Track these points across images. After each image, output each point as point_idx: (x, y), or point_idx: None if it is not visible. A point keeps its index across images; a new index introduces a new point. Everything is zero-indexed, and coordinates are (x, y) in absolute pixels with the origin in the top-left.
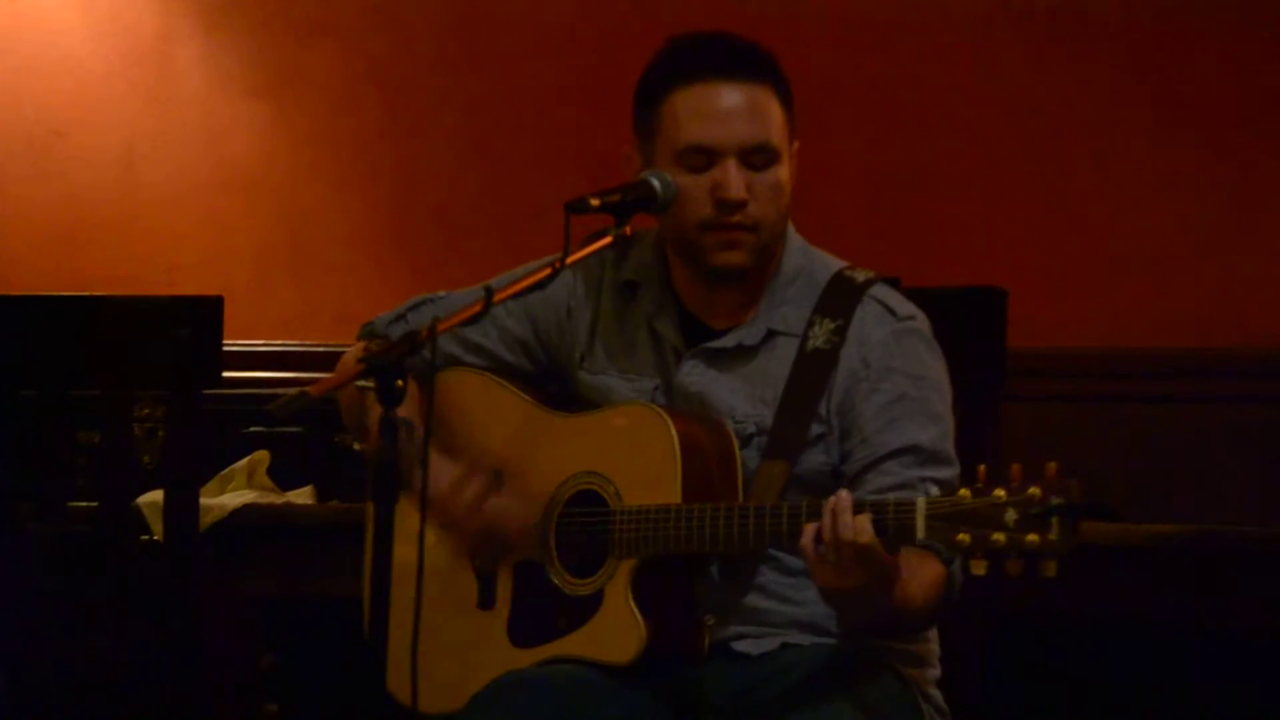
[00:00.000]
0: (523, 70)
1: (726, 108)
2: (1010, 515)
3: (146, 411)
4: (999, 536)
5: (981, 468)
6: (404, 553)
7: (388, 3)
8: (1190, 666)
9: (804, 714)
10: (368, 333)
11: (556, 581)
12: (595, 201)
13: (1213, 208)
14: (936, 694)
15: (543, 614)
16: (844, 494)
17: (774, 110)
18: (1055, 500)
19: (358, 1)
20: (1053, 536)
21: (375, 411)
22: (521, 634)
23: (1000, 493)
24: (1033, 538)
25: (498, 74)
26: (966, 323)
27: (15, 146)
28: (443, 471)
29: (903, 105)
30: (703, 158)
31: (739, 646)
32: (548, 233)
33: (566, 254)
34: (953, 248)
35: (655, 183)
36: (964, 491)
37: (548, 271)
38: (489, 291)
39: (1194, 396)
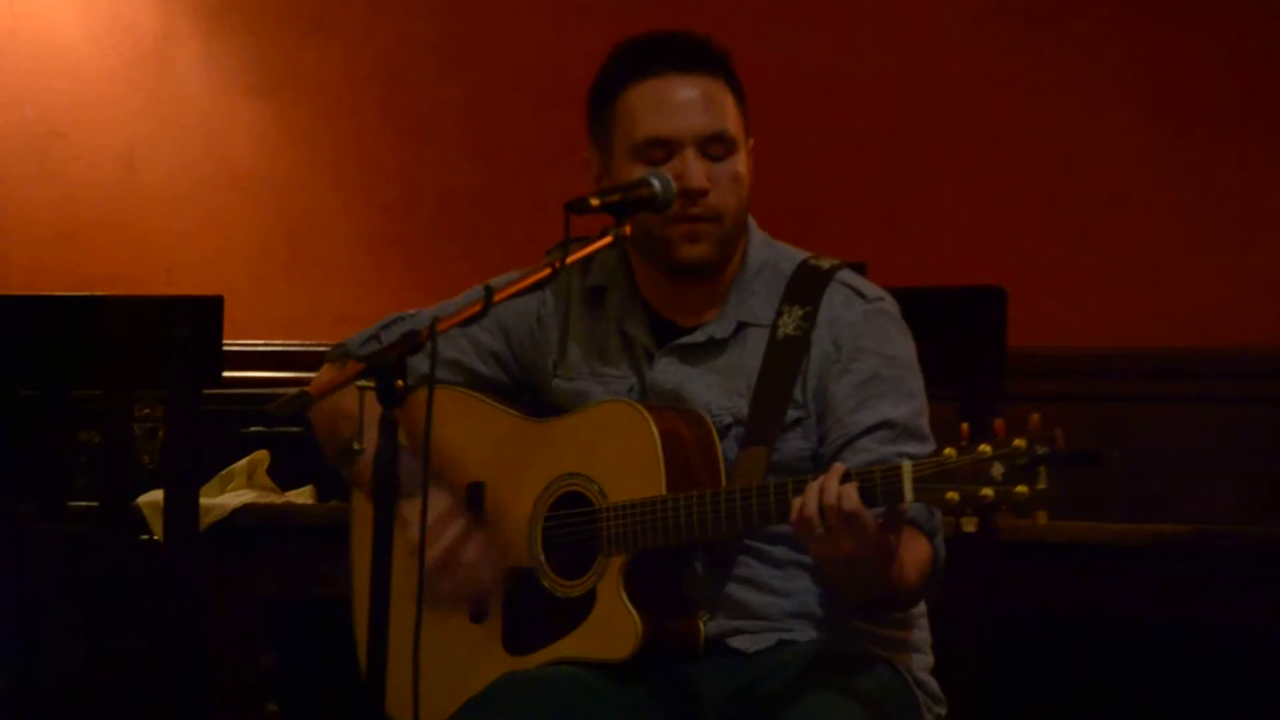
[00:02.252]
0: (522, 70)
1: (681, 99)
2: (997, 469)
3: (146, 411)
4: (988, 491)
5: (964, 426)
6: (397, 577)
7: (387, 2)
8: (1190, 666)
9: (801, 710)
10: (340, 354)
11: (548, 586)
12: (595, 201)
13: (1213, 207)
14: (931, 681)
15: (536, 620)
16: (835, 465)
17: (728, 102)
18: (1041, 450)
19: (357, 1)
20: (1041, 486)
21: (375, 414)
22: (517, 642)
23: (985, 448)
24: (1022, 489)
25: (497, 74)
26: (966, 322)
27: (15, 146)
28: (425, 489)
29: (902, 105)
30: (661, 150)
31: (735, 643)
32: (547, 233)
33: (566, 254)
34: (952, 247)
35: (655, 183)
36: (949, 450)
37: (547, 271)
38: (489, 290)
39: (1194, 396)
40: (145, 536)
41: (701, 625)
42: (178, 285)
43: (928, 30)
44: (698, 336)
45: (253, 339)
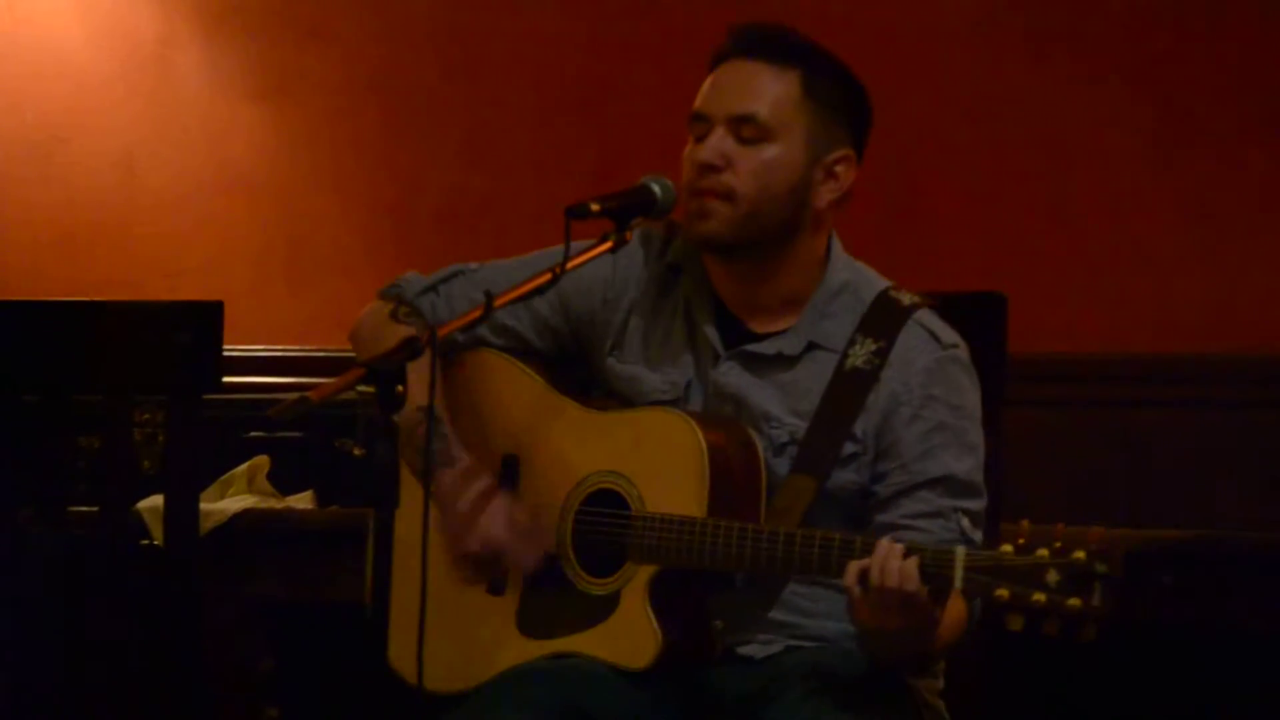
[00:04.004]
0: (523, 75)
1: (727, 79)
2: (1052, 576)
3: (147, 416)
4: (1040, 597)
5: (1025, 523)
6: (411, 534)
7: (387, 7)
8: (1190, 670)
9: (807, 718)
10: (394, 294)
11: (571, 577)
12: (595, 206)
13: (1213, 212)
14: (939, 704)
15: (555, 607)
16: (894, 545)
17: (786, 92)
18: (1100, 568)
19: (357, 6)
20: (1095, 603)
21: (418, 377)
22: (531, 624)
23: (1044, 553)
24: (1074, 602)
25: (498, 78)
26: (966, 328)
27: (16, 151)
28: (456, 464)
29: (903, 108)
30: (701, 126)
31: (745, 651)
32: (548, 237)
33: (566, 259)
34: (952, 252)
35: (655, 188)
36: (1006, 547)
37: (548, 277)
38: (489, 297)
39: (1194, 401)
40: (145, 542)
41: (718, 638)
42: (178, 290)
43: (929, 35)
44: (766, 348)
45: (253, 344)
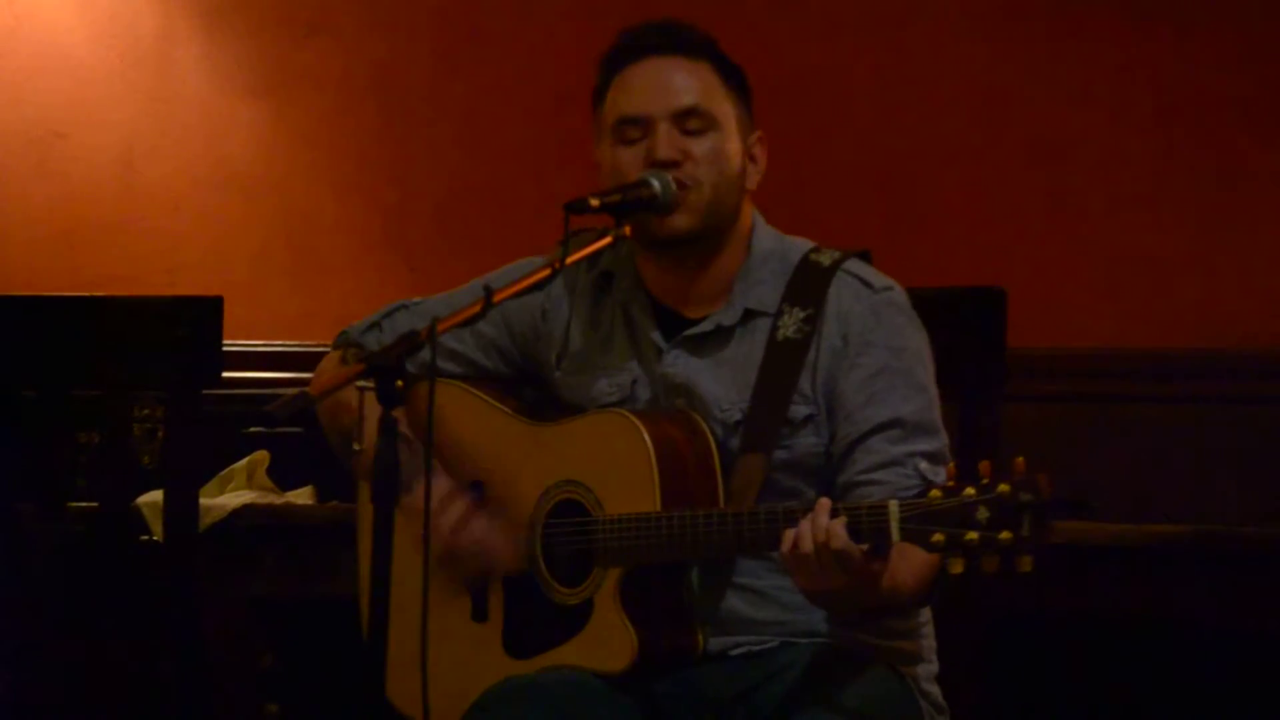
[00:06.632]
0: (522, 70)
1: (654, 78)
2: (982, 513)
3: (146, 412)
4: (972, 535)
5: (951, 466)
6: (400, 565)
7: (387, 3)
8: (1190, 666)
9: (803, 715)
10: (343, 341)
11: (547, 591)
12: (595, 202)
13: (1213, 208)
14: (934, 690)
15: (536, 624)
16: (822, 500)
17: (709, 81)
18: (1025, 497)
19: (357, 2)
20: (1025, 533)
21: (374, 412)
22: (517, 645)
23: (970, 491)
24: (1006, 535)
25: (497, 74)
26: (966, 323)
27: (15, 146)
28: (428, 487)
29: (902, 104)
30: (636, 129)
31: (737, 651)
32: (547, 233)
33: (566, 254)
34: (952, 247)
35: (655, 182)
36: (935, 492)
37: (547, 272)
38: (489, 291)
39: (1194, 396)
40: (145, 537)
41: (700, 638)
42: (177, 285)
43: (929, 31)
44: (705, 326)
45: (252, 339)
